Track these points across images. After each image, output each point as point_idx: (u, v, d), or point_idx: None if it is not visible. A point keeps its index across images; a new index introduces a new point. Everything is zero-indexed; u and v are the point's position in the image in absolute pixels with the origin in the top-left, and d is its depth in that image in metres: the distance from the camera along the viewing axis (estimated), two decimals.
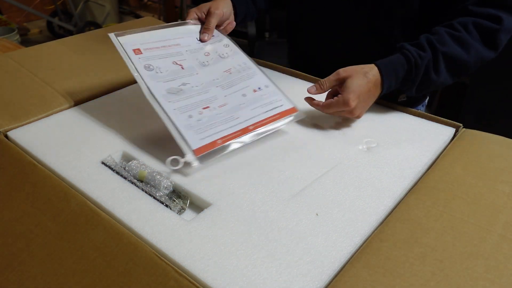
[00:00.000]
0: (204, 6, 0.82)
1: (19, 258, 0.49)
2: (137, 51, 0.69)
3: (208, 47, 0.77)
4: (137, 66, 0.67)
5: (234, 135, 0.64)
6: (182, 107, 0.65)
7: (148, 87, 0.65)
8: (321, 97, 0.73)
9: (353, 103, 0.67)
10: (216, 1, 0.83)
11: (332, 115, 0.72)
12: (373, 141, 0.68)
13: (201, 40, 0.78)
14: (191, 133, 0.62)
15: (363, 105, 0.70)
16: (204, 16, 0.81)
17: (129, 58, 0.67)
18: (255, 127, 0.66)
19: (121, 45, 0.69)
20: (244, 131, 0.65)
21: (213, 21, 0.79)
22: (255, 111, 0.68)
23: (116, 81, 0.83)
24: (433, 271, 0.45)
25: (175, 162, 0.59)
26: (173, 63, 0.71)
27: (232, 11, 0.84)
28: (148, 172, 0.60)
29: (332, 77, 0.70)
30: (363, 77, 0.68)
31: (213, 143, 0.62)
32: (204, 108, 0.66)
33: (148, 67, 0.67)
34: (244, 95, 0.70)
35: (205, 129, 0.63)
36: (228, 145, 0.62)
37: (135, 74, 0.66)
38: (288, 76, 0.90)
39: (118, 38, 0.69)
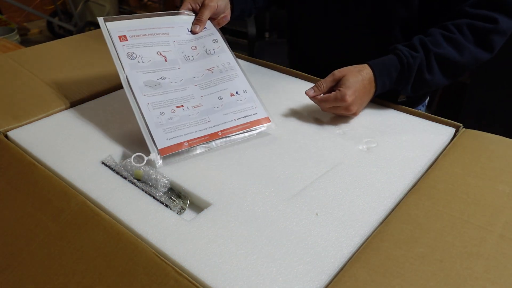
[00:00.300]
0: None
1: (19, 258, 0.49)
2: (123, 38, 0.68)
3: (196, 40, 0.76)
4: (119, 53, 0.66)
5: (202, 139, 0.64)
6: (156, 103, 0.65)
7: (126, 76, 0.65)
8: None
9: (349, 98, 0.68)
10: None
11: (329, 111, 0.73)
12: (373, 141, 0.68)
13: (192, 32, 0.76)
14: (160, 132, 0.62)
15: (359, 102, 0.71)
16: (198, 7, 0.79)
17: (113, 44, 0.67)
18: (224, 134, 0.66)
19: (108, 31, 0.68)
20: (212, 136, 0.65)
21: (207, 13, 0.77)
22: (227, 117, 0.67)
23: (116, 81, 0.83)
24: (433, 271, 0.45)
25: (139, 159, 0.59)
26: (157, 53, 0.70)
27: (229, 5, 0.83)
28: (144, 171, 0.60)
29: (328, 78, 0.72)
30: (358, 75, 0.70)
31: (180, 145, 0.62)
32: (177, 107, 0.66)
33: (130, 55, 0.67)
34: (220, 97, 0.69)
35: (174, 129, 0.63)
36: (194, 149, 0.63)
37: (116, 62, 0.66)
38: (288, 76, 0.90)
39: (106, 23, 0.69)
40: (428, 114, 0.75)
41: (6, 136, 0.68)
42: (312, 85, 0.74)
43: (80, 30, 3.01)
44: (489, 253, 0.47)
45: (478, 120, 1.88)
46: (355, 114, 0.73)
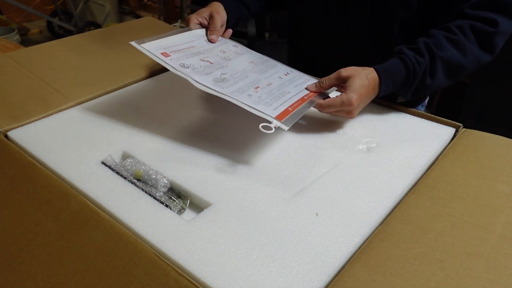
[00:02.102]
0: (204, 12, 0.85)
1: (19, 258, 0.49)
2: (166, 54, 0.70)
3: (220, 47, 0.79)
4: (174, 65, 0.67)
5: (297, 103, 0.67)
6: (236, 90, 0.66)
7: (196, 81, 0.65)
8: None
9: (355, 103, 0.67)
10: (213, 5, 0.85)
11: (329, 114, 0.73)
12: (373, 141, 0.68)
13: (210, 41, 0.81)
14: (263, 106, 0.63)
15: (361, 105, 0.71)
16: (205, 21, 0.84)
17: (163, 60, 0.68)
18: (308, 97, 0.70)
19: (148, 51, 0.69)
20: (302, 100, 0.69)
21: (218, 23, 0.82)
22: (299, 87, 0.73)
23: (116, 81, 0.83)
24: (433, 271, 0.45)
25: (267, 128, 0.59)
26: (201, 60, 0.72)
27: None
28: (144, 171, 0.60)
29: (332, 76, 0.71)
30: (364, 78, 0.69)
31: (287, 111, 0.64)
32: (256, 88, 0.68)
33: (183, 65, 0.68)
34: (280, 77, 0.74)
35: (271, 103, 0.65)
36: (300, 110, 0.65)
37: (177, 72, 0.66)
38: None
39: (142, 45, 0.69)
40: (428, 114, 0.75)
41: (6, 136, 0.68)
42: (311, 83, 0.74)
43: (80, 30, 3.01)
44: (489, 253, 0.47)
45: (478, 120, 1.88)
46: (353, 117, 0.72)
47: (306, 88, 0.73)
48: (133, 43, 0.70)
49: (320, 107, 0.70)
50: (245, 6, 0.93)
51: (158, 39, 0.73)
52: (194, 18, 0.83)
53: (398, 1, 0.77)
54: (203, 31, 0.83)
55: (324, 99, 0.71)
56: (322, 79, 0.72)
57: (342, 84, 0.70)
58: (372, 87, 0.70)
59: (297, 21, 0.94)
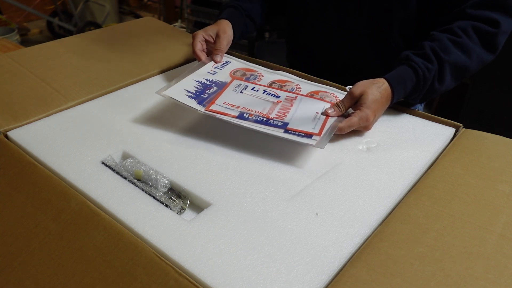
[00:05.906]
0: (210, 29, 0.85)
1: (19, 258, 0.49)
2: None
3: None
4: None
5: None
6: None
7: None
8: None
9: (371, 118, 0.67)
10: (221, 24, 0.86)
11: None
12: (373, 141, 0.68)
13: (214, 61, 0.83)
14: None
15: (376, 118, 0.71)
16: (211, 38, 0.85)
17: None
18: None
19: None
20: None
21: (224, 43, 0.84)
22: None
23: (116, 81, 0.83)
24: (433, 271, 0.45)
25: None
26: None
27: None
28: (144, 171, 0.60)
29: (346, 97, 0.69)
30: (376, 92, 0.68)
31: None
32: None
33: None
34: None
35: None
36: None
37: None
38: None
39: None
40: (428, 114, 0.75)
41: (6, 136, 0.68)
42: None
43: (80, 30, 3.01)
44: (489, 253, 0.47)
45: (478, 120, 1.88)
46: (369, 130, 0.71)
47: (323, 114, 0.69)
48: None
49: (341, 131, 0.67)
50: (250, 20, 0.94)
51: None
52: (200, 35, 0.84)
53: (397, 1, 0.77)
54: (210, 64, 0.83)
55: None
56: (338, 103, 0.70)
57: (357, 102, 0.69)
58: (385, 99, 0.69)
59: (296, 22, 0.94)
